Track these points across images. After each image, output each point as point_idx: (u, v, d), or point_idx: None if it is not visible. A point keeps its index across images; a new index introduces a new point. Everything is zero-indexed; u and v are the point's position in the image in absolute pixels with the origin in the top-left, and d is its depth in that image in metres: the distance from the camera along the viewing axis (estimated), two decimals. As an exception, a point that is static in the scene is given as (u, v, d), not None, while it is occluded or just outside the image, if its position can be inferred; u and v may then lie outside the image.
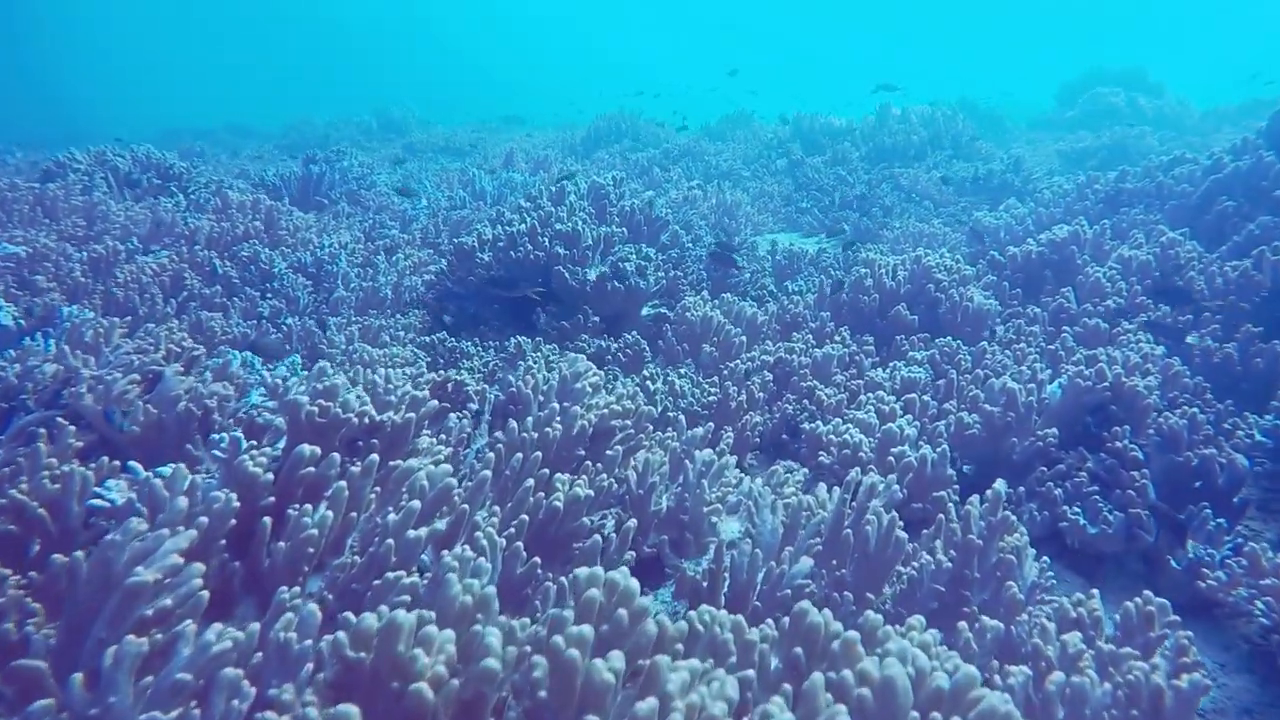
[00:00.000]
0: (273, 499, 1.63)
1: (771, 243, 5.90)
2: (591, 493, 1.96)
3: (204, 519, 1.44)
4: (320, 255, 4.37)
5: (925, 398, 2.98)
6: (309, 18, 49.25)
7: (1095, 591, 1.69)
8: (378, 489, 1.78)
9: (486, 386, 2.70)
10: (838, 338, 3.61)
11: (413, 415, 1.93)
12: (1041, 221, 5.00)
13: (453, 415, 2.35)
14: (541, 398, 2.35)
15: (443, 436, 2.28)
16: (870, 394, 3.01)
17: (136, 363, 2.42)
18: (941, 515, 2.05)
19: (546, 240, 3.95)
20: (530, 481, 1.87)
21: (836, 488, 2.20)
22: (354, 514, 1.67)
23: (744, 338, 3.45)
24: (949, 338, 3.36)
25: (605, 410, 2.28)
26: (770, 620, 1.53)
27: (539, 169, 8.60)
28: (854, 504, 2.09)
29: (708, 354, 3.39)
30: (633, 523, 1.85)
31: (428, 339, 3.56)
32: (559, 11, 56.03)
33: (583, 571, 1.19)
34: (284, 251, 4.36)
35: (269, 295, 4.02)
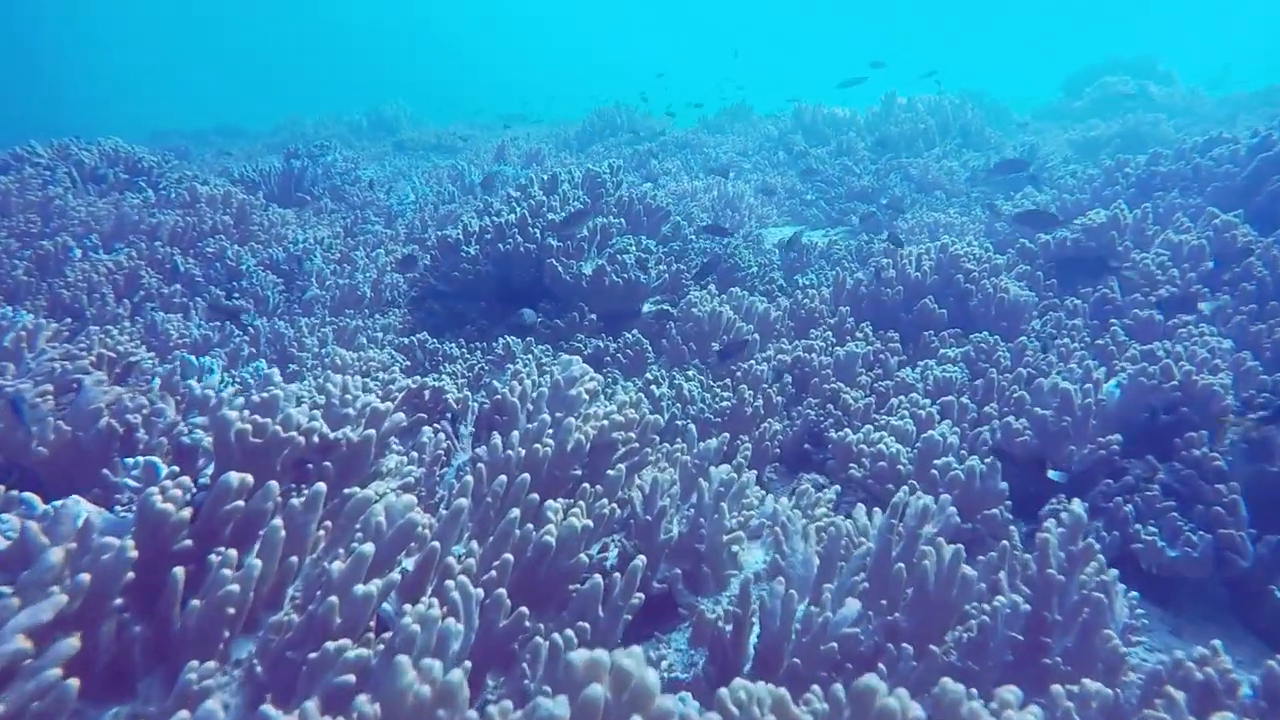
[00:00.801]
0: (190, 542, 1.30)
1: (780, 236, 5.57)
2: (590, 523, 1.63)
3: (85, 577, 1.11)
4: (294, 251, 4.03)
5: (963, 400, 2.65)
6: (307, 19, 48.90)
7: (1217, 643, 1.37)
8: (328, 524, 1.45)
9: (469, 394, 2.36)
10: (859, 334, 3.28)
11: (373, 432, 1.59)
12: (1067, 209, 4.68)
13: (427, 429, 2.01)
14: (530, 407, 2.02)
15: (415, 454, 1.95)
16: (902, 397, 2.68)
17: (59, 370, 2.08)
18: (1005, 543, 1.72)
19: (538, 232, 3.62)
20: (516, 511, 1.54)
21: (878, 510, 1.87)
22: (294, 558, 1.33)
23: (757, 335, 3.12)
24: (985, 333, 3.02)
25: (605, 421, 1.94)
26: (817, 689, 1.20)
27: (531, 162, 8.26)
28: (902, 529, 1.76)
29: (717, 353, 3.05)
30: (641, 560, 1.52)
31: (407, 340, 3.22)
32: (558, 11, 55.75)
33: (579, 656, 0.85)
34: (254, 248, 4.02)
35: (236, 294, 3.68)
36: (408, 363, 3.11)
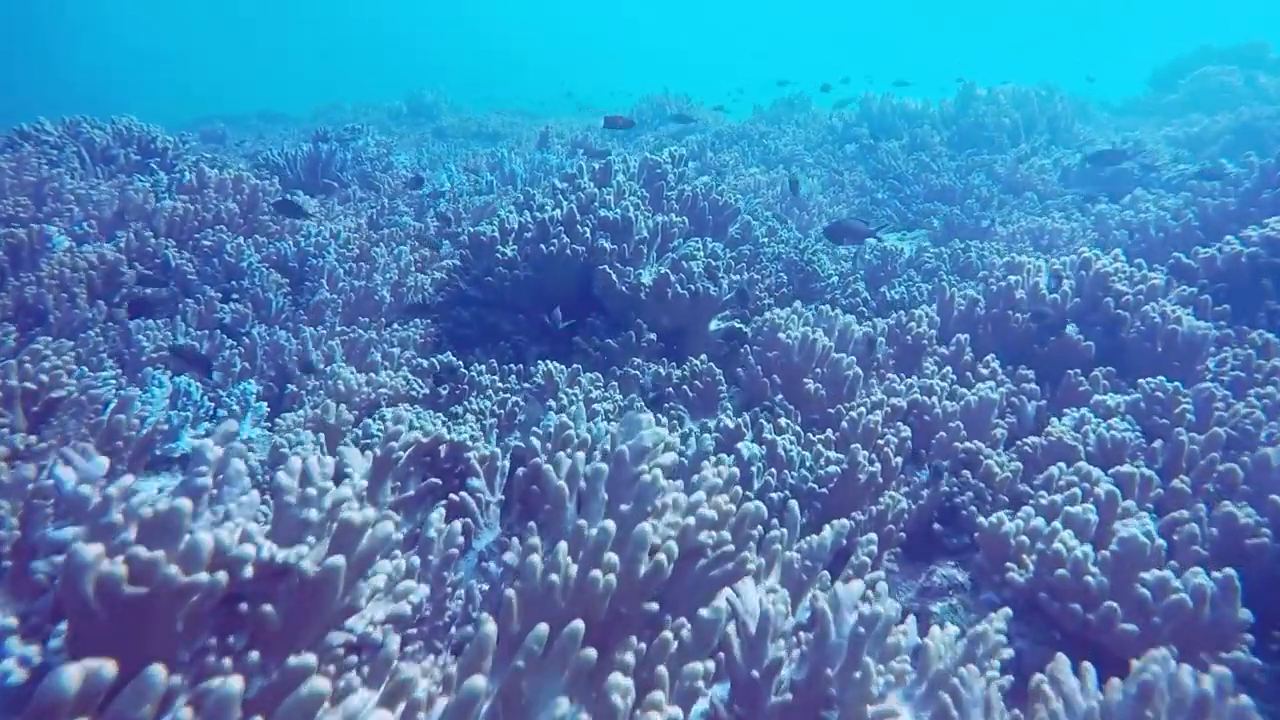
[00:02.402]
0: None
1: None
2: (679, 713, 1.03)
3: None
4: (305, 246, 3.49)
5: (1144, 470, 2.00)
6: (352, 5, 49.01)
7: None
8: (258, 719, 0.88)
9: (498, 452, 1.78)
10: (984, 369, 2.63)
11: (340, 563, 1.01)
12: (1208, 215, 3.94)
13: (437, 515, 1.43)
14: (583, 489, 1.42)
15: (418, 555, 1.37)
16: (1061, 465, 2.03)
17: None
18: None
19: (588, 231, 3.02)
20: (564, 706, 0.95)
21: (1089, 666, 1.26)
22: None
23: (858, 369, 2.49)
24: (1161, 378, 2.35)
25: (690, 520, 1.34)
26: None
27: (577, 150, 7.68)
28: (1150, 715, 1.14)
29: (812, 393, 2.43)
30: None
31: (425, 362, 2.65)
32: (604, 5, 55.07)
33: None
34: (260, 241, 3.49)
35: (234, 296, 3.16)
36: (425, 390, 2.54)
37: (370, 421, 2.32)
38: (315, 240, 3.53)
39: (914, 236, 6.02)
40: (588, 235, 3.02)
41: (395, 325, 3.16)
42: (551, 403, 2.29)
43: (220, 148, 11.61)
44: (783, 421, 2.21)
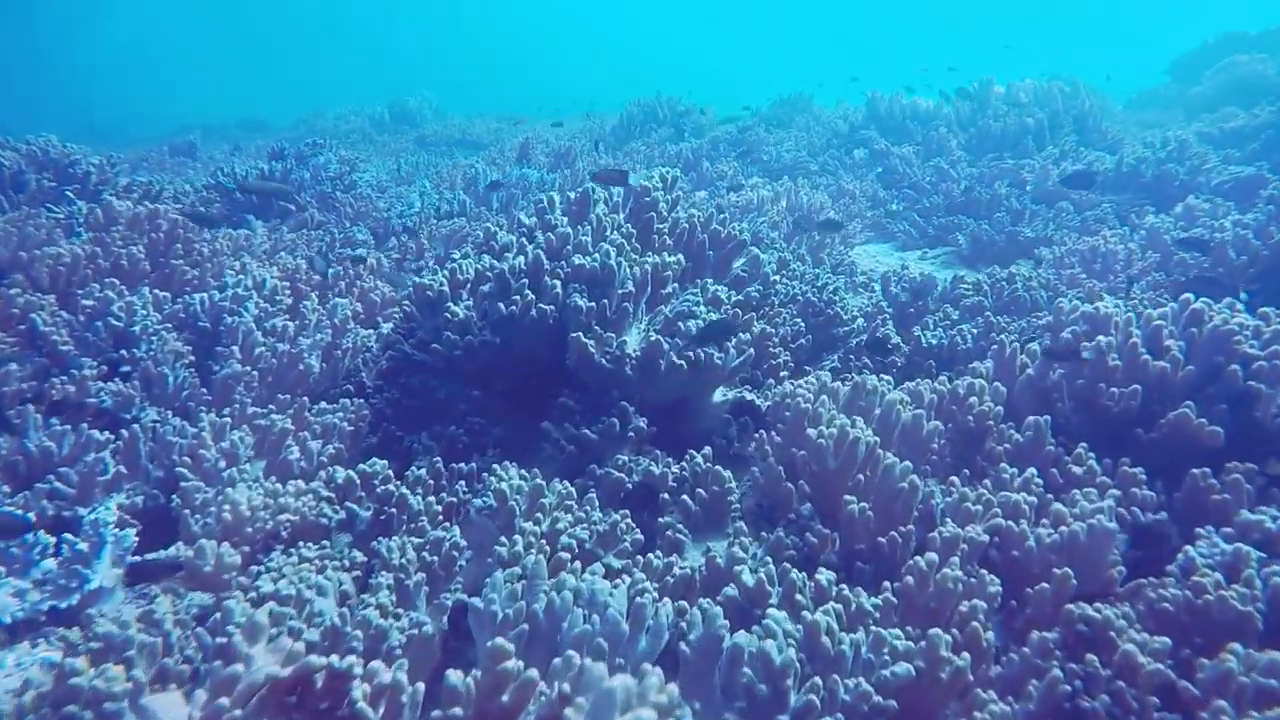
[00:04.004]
0: None
1: (882, 265, 4.29)
2: None
3: None
4: (219, 301, 2.86)
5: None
6: (339, 13, 48.24)
7: None
8: None
9: (403, 683, 1.16)
10: (1075, 465, 2.00)
11: None
12: (1296, 238, 3.32)
13: None
14: None
15: None
16: (1237, 650, 1.40)
17: None
18: None
19: (558, 285, 2.40)
20: None
21: None
22: None
23: (913, 478, 1.86)
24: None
25: None
26: None
27: (560, 163, 7.05)
28: None
29: (857, 515, 1.81)
30: None
31: (338, 481, 2.01)
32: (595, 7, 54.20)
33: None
34: (161, 297, 2.85)
35: (121, 371, 2.53)
36: (341, 515, 1.91)
37: (261, 580, 1.69)
38: (233, 293, 2.90)
39: (936, 255, 5.40)
40: (558, 290, 2.39)
41: (323, 406, 2.53)
42: (503, 547, 1.67)
43: (189, 162, 10.98)
44: (823, 578, 1.58)
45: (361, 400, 2.51)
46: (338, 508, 1.90)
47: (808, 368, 3.12)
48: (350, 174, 6.12)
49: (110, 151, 11.03)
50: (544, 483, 1.90)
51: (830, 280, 3.44)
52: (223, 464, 2.20)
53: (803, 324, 3.07)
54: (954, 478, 1.98)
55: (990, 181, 5.84)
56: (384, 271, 3.99)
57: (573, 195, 2.93)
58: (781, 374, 2.81)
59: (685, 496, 2.03)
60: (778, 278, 3.29)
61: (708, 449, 2.17)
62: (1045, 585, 1.58)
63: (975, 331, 3.19)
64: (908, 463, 1.87)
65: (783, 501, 2.04)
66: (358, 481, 1.93)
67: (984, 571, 1.58)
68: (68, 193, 4.28)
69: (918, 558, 1.59)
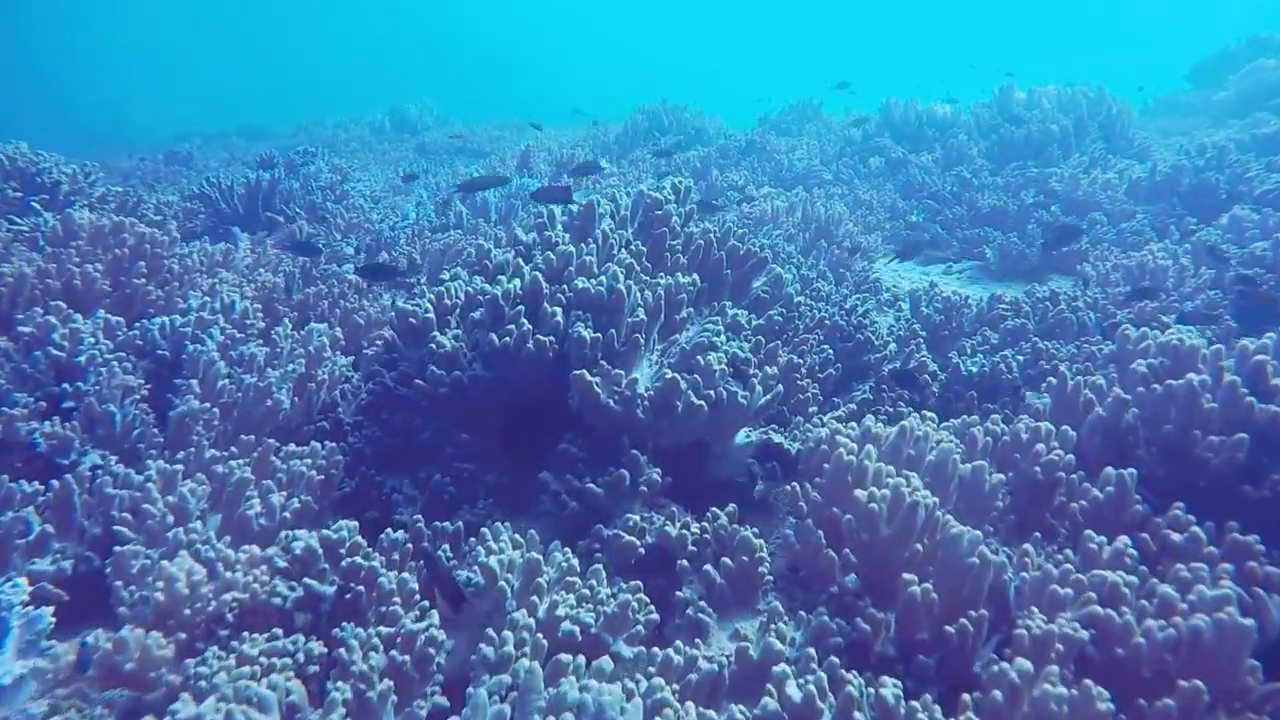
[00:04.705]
0: None
1: (904, 280, 3.98)
2: None
3: None
4: (180, 327, 2.56)
5: None
6: (340, 18, 48.10)
7: None
8: None
9: None
10: (1173, 531, 1.69)
11: None
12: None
13: None
14: None
15: None
16: None
17: None
18: None
19: (558, 313, 2.09)
20: None
21: None
22: None
23: (985, 552, 1.54)
24: None
25: None
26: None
27: (563, 172, 6.75)
28: None
29: (919, 599, 1.49)
30: None
31: (296, 552, 1.69)
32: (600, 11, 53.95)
33: None
34: (111, 323, 2.54)
35: (64, 407, 2.22)
36: (299, 593, 1.59)
37: (201, 669, 1.38)
38: (196, 317, 2.60)
39: (961, 270, 5.09)
40: (559, 319, 2.08)
41: (293, 447, 2.22)
42: (490, 647, 1.35)
43: (184, 171, 10.71)
44: (888, 692, 1.27)
45: (334, 444, 2.19)
46: (295, 585, 1.59)
47: (836, 399, 2.81)
48: (342, 183, 5.84)
49: (106, 159, 10.74)
50: (541, 557, 1.58)
51: (859, 301, 3.13)
52: (170, 520, 1.89)
53: (830, 351, 2.76)
54: (1027, 546, 1.66)
55: (1016, 191, 5.54)
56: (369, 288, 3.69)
57: (575, 208, 2.62)
58: (810, 409, 2.50)
59: (708, 567, 1.71)
60: (802, 298, 2.98)
61: (731, 507, 1.86)
62: (1169, 702, 1.26)
63: (1021, 359, 2.88)
64: (976, 532, 1.55)
65: (823, 572, 1.72)
66: (319, 552, 1.62)
67: (1089, 684, 1.27)
68: (33, 203, 3.99)
69: (1004, 666, 1.28)
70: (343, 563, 1.59)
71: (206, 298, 2.73)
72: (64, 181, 4.30)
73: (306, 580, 1.57)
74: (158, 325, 2.56)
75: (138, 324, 2.59)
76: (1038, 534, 1.79)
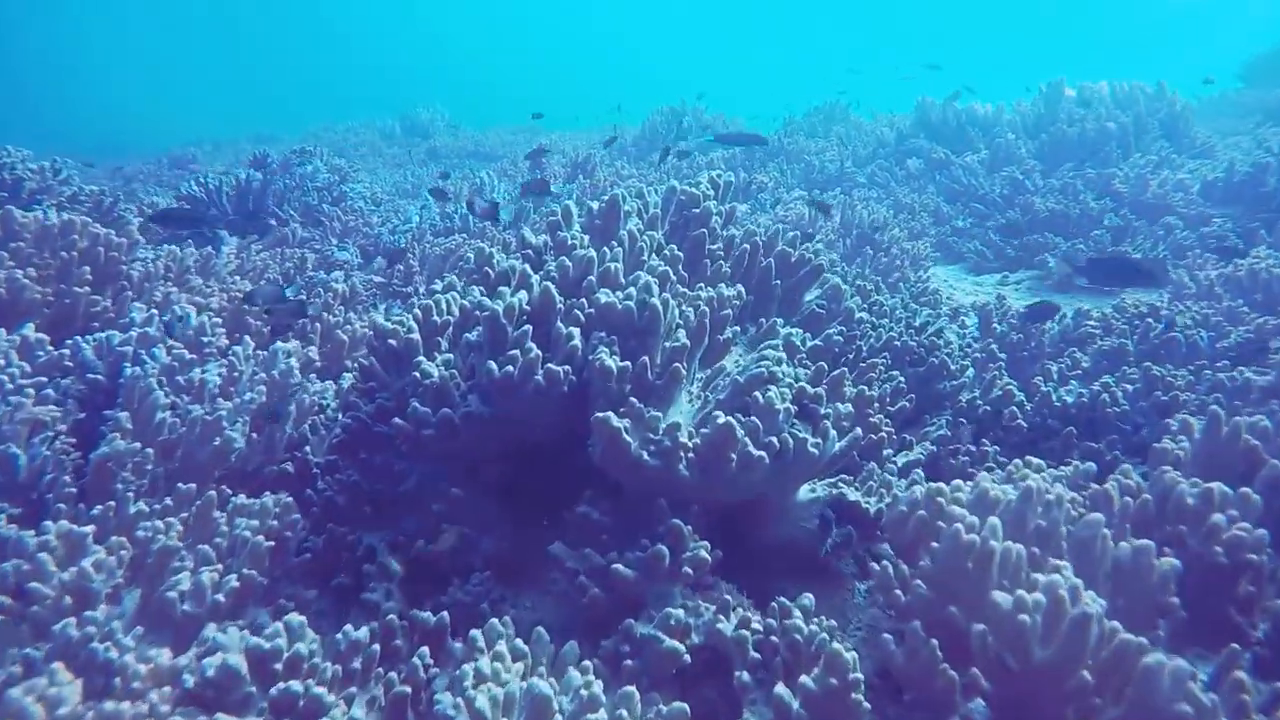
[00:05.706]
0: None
1: (957, 291, 3.49)
2: None
3: None
4: (119, 346, 2.12)
5: None
6: (355, 25, 48.11)
7: None
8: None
9: None
10: None
11: None
12: None
13: None
14: None
15: None
16: None
17: None
18: None
19: (576, 335, 1.63)
20: None
21: None
22: None
23: (1191, 688, 1.06)
24: None
25: None
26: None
27: (578, 174, 6.32)
28: None
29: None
30: None
31: (208, 675, 1.23)
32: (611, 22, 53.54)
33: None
34: (28, 342, 2.10)
35: (-41, 450, 1.78)
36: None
37: None
38: (139, 333, 2.16)
39: (1018, 280, 4.59)
40: (576, 343, 1.62)
41: (241, 499, 1.77)
42: None
43: (186, 175, 10.38)
44: None
45: (291, 499, 1.73)
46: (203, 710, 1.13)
47: (908, 436, 2.33)
48: (341, 184, 5.41)
49: (119, 164, 10.38)
50: (553, 693, 1.11)
51: (930, 318, 2.65)
52: (67, 602, 1.45)
53: (903, 380, 2.28)
54: (1239, 675, 1.18)
55: (1074, 194, 5.04)
56: (364, 299, 3.25)
57: (595, 205, 2.16)
58: (884, 451, 2.03)
59: (781, 689, 1.24)
60: (864, 313, 2.50)
61: (808, 598, 1.39)
62: None
63: (1132, 387, 2.38)
64: (1181, 663, 1.07)
65: (940, 696, 1.24)
66: (244, 674, 1.16)
67: None
68: (-10, 204, 3.58)
69: None
70: (274, 689, 1.13)
71: (153, 310, 2.29)
72: (29, 178, 3.89)
73: (219, 717, 1.11)
74: (90, 343, 2.12)
75: (68, 342, 2.16)
76: (1235, 645, 1.30)
